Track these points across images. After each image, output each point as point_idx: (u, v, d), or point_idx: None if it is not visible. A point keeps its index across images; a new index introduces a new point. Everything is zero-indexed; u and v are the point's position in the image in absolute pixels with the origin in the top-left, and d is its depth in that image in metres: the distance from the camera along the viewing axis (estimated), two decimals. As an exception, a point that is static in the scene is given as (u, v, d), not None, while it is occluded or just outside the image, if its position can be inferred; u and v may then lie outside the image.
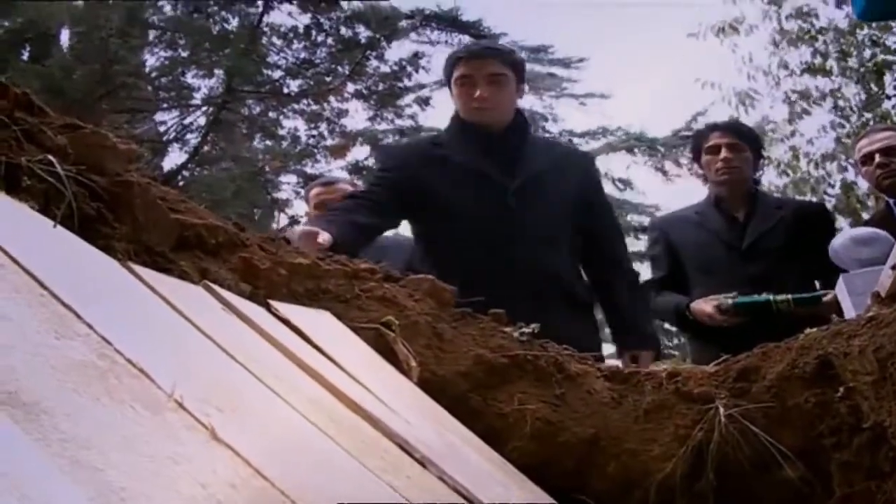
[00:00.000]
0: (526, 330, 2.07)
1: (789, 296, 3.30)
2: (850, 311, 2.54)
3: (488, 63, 3.17)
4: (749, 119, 9.78)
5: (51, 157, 1.34)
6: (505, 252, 2.99)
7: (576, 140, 18.32)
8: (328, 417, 1.21)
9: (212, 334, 1.22)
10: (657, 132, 16.87)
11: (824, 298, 3.22)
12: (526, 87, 3.36)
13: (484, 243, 2.99)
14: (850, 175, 9.63)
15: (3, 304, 0.81)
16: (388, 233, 3.58)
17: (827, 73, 9.80)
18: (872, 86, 9.45)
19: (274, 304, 1.71)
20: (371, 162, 13.44)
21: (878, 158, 3.69)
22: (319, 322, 1.80)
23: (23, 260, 0.93)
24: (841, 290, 2.69)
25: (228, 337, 1.27)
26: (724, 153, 3.76)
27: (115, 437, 0.71)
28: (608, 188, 17.75)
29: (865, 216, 8.56)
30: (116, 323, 0.95)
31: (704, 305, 3.50)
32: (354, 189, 3.41)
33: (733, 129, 4.00)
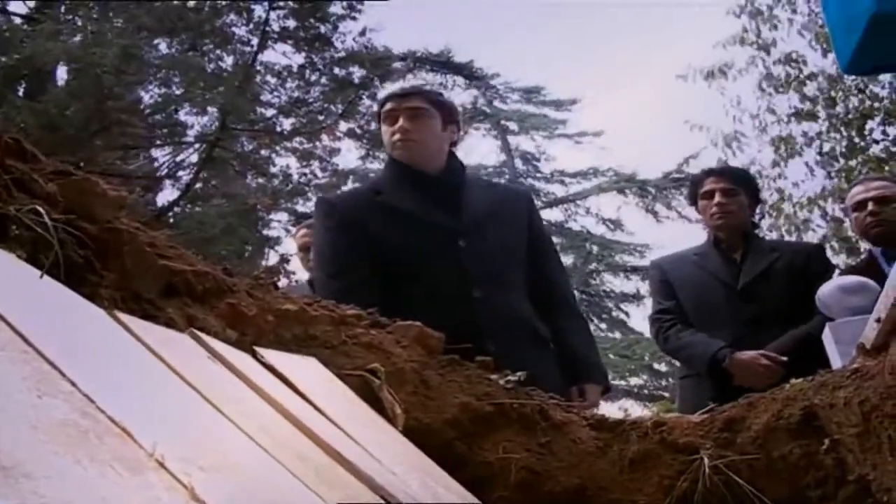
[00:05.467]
0: (512, 378, 2.07)
1: None
2: (836, 360, 2.55)
3: (410, 99, 3.22)
4: (736, 162, 9.86)
5: (38, 207, 1.35)
6: (463, 297, 2.95)
7: (567, 180, 18.46)
8: (313, 470, 1.21)
9: (197, 385, 1.22)
10: (649, 174, 17.06)
11: None
12: (459, 132, 3.34)
13: (441, 291, 2.94)
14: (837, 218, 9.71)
15: (-13, 361, 0.82)
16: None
17: (814, 117, 9.90)
18: (854, 134, 9.54)
19: (260, 350, 1.71)
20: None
21: (870, 206, 3.72)
22: (305, 369, 1.80)
23: (8, 315, 0.93)
24: (828, 339, 2.70)
25: (214, 387, 1.27)
26: (717, 198, 3.83)
27: (94, 499, 0.71)
28: (599, 228, 17.88)
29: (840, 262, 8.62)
30: (101, 378, 0.95)
31: (758, 357, 3.48)
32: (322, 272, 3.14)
33: (727, 173, 4.06)
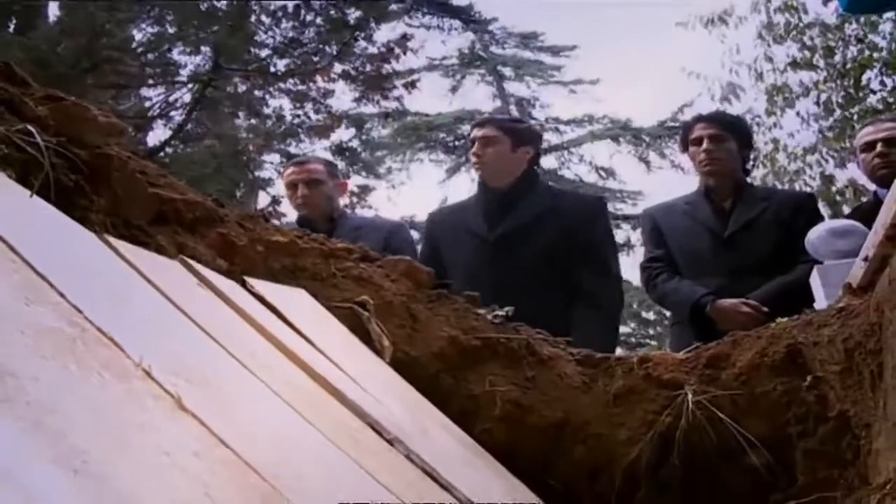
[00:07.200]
0: (500, 313, 2.09)
1: None
2: (822, 302, 2.57)
3: (484, 128, 3.80)
4: (733, 111, 9.80)
5: (30, 127, 1.34)
6: (486, 297, 3.11)
7: (561, 128, 18.35)
8: (298, 394, 1.23)
9: (186, 309, 1.23)
10: (644, 122, 16.94)
11: None
12: (531, 150, 3.75)
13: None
14: (829, 167, 9.73)
15: (-25, 270, 0.82)
16: (365, 213, 3.72)
17: (813, 66, 9.83)
18: (851, 84, 9.48)
19: (250, 280, 1.72)
20: (355, 143, 13.44)
21: (879, 147, 3.66)
22: (295, 300, 1.82)
23: (-4, 228, 0.93)
24: (815, 282, 2.71)
25: (203, 312, 1.28)
26: (706, 144, 3.78)
27: (80, 402, 0.72)
28: (592, 176, 17.80)
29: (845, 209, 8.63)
30: (89, 293, 0.96)
31: (739, 305, 3.50)
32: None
33: (717, 119, 4.01)
